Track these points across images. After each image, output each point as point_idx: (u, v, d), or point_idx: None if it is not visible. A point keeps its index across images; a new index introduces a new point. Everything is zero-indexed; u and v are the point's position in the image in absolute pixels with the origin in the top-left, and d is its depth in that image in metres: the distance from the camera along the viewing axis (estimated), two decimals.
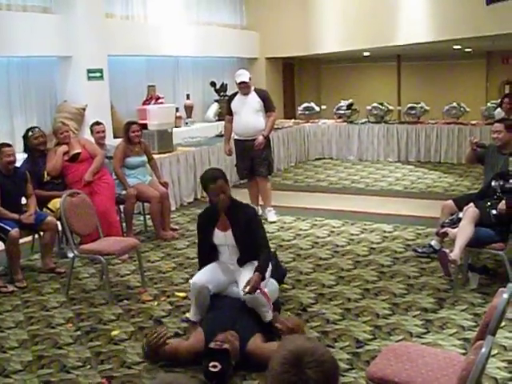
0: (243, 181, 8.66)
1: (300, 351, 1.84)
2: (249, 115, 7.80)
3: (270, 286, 4.64)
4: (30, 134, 6.79)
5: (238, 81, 7.81)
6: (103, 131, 7.65)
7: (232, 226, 4.59)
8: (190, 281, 4.65)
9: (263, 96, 7.92)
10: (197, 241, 4.87)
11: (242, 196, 7.06)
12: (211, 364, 3.90)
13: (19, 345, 4.62)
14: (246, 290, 4.27)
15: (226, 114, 8.27)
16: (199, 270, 4.72)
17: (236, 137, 8.11)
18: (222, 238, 4.63)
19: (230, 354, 3.96)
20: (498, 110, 8.72)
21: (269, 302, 4.47)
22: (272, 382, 1.85)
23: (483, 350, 2.38)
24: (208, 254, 4.70)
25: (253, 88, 7.90)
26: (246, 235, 4.58)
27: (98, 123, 7.67)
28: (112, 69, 9.69)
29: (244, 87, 7.80)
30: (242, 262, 4.63)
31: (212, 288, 4.51)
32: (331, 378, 1.84)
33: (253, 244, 4.57)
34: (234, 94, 8.07)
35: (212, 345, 4.00)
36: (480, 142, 6.58)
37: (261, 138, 7.78)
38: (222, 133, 10.73)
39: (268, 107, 7.91)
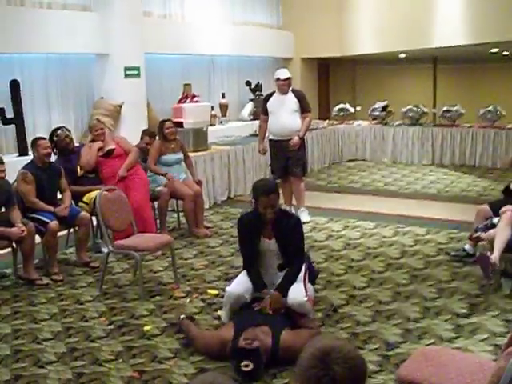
0: (277, 181, 8.64)
1: (328, 348, 1.89)
2: (285, 115, 7.81)
3: (309, 290, 4.69)
4: (56, 137, 6.83)
5: (282, 77, 7.81)
6: (150, 143, 7.74)
7: (276, 235, 4.63)
8: (227, 289, 4.68)
9: (300, 96, 7.93)
10: (238, 242, 4.88)
11: None
12: (243, 363, 3.93)
13: (53, 336, 4.71)
14: (266, 310, 4.40)
15: (261, 113, 8.28)
16: (245, 269, 4.73)
17: (271, 136, 8.12)
18: (267, 245, 4.67)
19: (260, 352, 3.99)
20: None
21: (312, 308, 4.58)
22: (300, 377, 1.90)
23: None
24: (252, 256, 4.72)
25: (290, 88, 7.92)
26: (289, 244, 4.63)
27: (150, 135, 7.83)
28: (148, 67, 9.79)
29: (286, 84, 7.80)
30: (282, 268, 4.68)
31: (248, 297, 4.56)
32: (358, 374, 1.89)
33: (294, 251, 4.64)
34: (271, 94, 8.08)
35: (243, 343, 4.03)
36: None
37: (296, 138, 7.79)
38: (257, 132, 10.80)
39: (304, 108, 7.92)
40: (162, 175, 7.38)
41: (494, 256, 5.11)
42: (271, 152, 8.23)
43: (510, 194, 5.96)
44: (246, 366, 3.92)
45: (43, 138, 6.34)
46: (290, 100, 7.83)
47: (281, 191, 8.01)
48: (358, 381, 1.91)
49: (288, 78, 7.83)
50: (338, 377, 1.84)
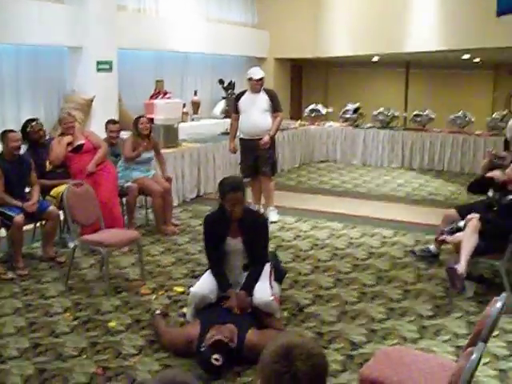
0: (246, 179, 8.62)
1: (290, 344, 1.91)
2: (257, 114, 7.82)
3: (275, 288, 4.69)
4: (29, 128, 6.81)
5: (256, 77, 7.81)
6: (118, 131, 7.70)
7: (242, 234, 4.63)
8: (191, 289, 4.65)
9: (272, 96, 7.95)
10: (204, 242, 4.83)
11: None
12: (214, 356, 3.93)
13: (16, 331, 4.66)
14: (233, 309, 4.39)
15: (232, 111, 8.28)
16: (210, 269, 4.70)
17: (242, 135, 8.13)
18: (233, 244, 4.65)
19: (232, 351, 4.01)
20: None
21: (279, 307, 4.63)
22: (262, 372, 1.92)
23: (474, 355, 2.42)
24: (217, 256, 4.70)
25: (262, 87, 7.94)
26: (255, 243, 4.64)
27: (114, 122, 7.72)
28: (121, 62, 9.73)
29: (259, 84, 7.82)
30: (247, 268, 4.68)
31: (213, 298, 4.54)
32: (320, 371, 1.91)
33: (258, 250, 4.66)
34: (242, 93, 8.10)
35: (218, 337, 4.02)
36: (499, 154, 6.57)
37: (267, 137, 7.80)
38: (228, 130, 10.80)
39: (275, 107, 7.94)
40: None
41: (461, 267, 5.17)
42: (241, 151, 8.24)
43: (474, 190, 6.05)
44: (217, 360, 3.92)
45: (13, 131, 6.26)
46: (262, 99, 7.84)
47: (250, 190, 8.09)
48: (320, 378, 1.93)
49: (261, 78, 7.84)
50: (300, 373, 1.86)
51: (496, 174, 5.96)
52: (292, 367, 1.87)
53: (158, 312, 4.79)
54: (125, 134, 8.10)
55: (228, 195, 4.50)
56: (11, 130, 6.29)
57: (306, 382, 1.88)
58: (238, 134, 8.22)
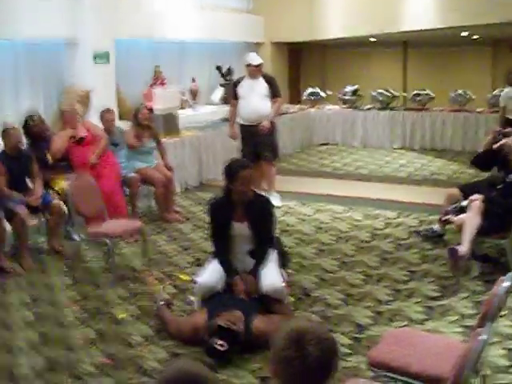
0: None
1: (302, 329, 1.93)
2: (256, 100, 7.81)
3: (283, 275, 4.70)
4: (31, 123, 6.80)
5: (254, 63, 7.79)
6: (113, 119, 7.69)
7: (248, 218, 4.60)
8: (198, 280, 4.64)
9: (271, 81, 7.94)
10: (209, 229, 4.82)
11: None
12: (219, 342, 3.95)
13: (25, 324, 4.70)
14: (240, 294, 4.40)
15: (231, 98, 8.27)
16: (216, 256, 4.71)
17: (241, 121, 8.11)
18: (238, 229, 4.63)
19: (239, 336, 4.02)
20: (506, 89, 8.39)
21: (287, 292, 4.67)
22: (274, 357, 1.95)
23: (482, 336, 2.43)
24: (223, 243, 4.69)
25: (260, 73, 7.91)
26: (261, 227, 4.62)
27: (108, 110, 7.70)
28: (119, 52, 9.69)
29: (257, 70, 7.80)
30: (252, 253, 4.67)
31: (220, 288, 4.52)
32: (330, 355, 1.94)
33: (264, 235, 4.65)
34: (241, 79, 8.08)
35: (223, 323, 4.04)
36: (503, 131, 6.51)
37: (266, 122, 7.79)
38: (227, 117, 10.77)
39: (274, 92, 7.93)
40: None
41: (464, 249, 5.17)
42: (241, 137, 8.22)
43: (478, 163, 6.02)
44: (222, 345, 3.94)
45: (14, 128, 6.24)
46: (261, 85, 7.83)
47: None
48: (330, 362, 1.95)
49: (260, 64, 7.82)
50: (311, 358, 1.89)
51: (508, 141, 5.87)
52: (303, 352, 1.90)
53: (161, 302, 4.79)
54: (121, 123, 8.06)
55: (239, 173, 4.44)
56: (13, 126, 6.26)
57: (316, 366, 1.91)
58: (237, 120, 8.20)
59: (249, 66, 7.85)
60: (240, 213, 4.60)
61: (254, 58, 7.90)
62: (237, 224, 4.62)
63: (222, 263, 4.61)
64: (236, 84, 8.11)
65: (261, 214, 4.62)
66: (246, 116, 7.95)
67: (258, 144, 7.94)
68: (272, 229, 4.79)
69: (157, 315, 4.69)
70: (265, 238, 4.67)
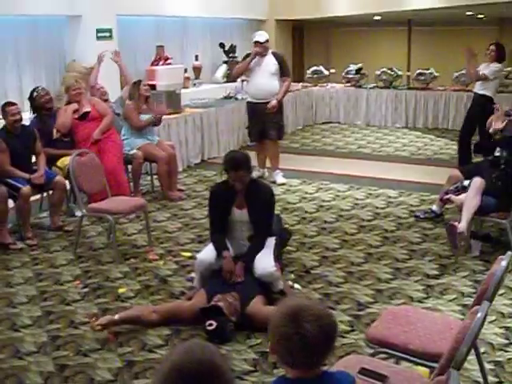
0: (253, 143, 8.58)
1: (299, 307, 1.97)
2: (264, 77, 7.77)
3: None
4: (35, 94, 6.84)
5: (260, 40, 7.74)
6: (102, 87, 7.67)
7: (248, 206, 4.65)
8: (198, 255, 4.71)
9: (280, 59, 7.89)
10: (208, 212, 4.89)
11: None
12: (207, 323, 4.02)
13: (28, 300, 4.73)
14: (230, 280, 4.42)
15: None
16: (210, 235, 4.78)
17: (249, 99, 8.11)
18: (238, 215, 4.68)
19: (223, 310, 4.06)
20: (483, 65, 8.28)
21: (281, 273, 4.69)
22: (272, 335, 1.99)
23: (479, 314, 2.45)
24: (220, 226, 4.73)
25: (270, 51, 7.87)
26: (260, 215, 4.67)
27: (96, 83, 7.69)
28: (121, 29, 9.67)
29: (262, 47, 7.72)
30: (252, 239, 4.70)
31: (218, 266, 4.56)
32: (328, 332, 1.97)
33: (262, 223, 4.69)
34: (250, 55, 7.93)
35: (213, 303, 4.11)
36: (507, 111, 6.48)
37: (274, 101, 7.77)
38: (231, 94, 10.79)
39: (284, 71, 7.90)
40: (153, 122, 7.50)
41: (462, 226, 5.20)
42: (249, 114, 8.21)
43: (481, 151, 6.01)
44: (210, 324, 4.01)
45: (12, 104, 6.19)
46: (270, 62, 7.79)
47: (255, 154, 8.08)
48: (329, 338, 1.98)
49: (265, 41, 7.77)
50: (309, 334, 1.92)
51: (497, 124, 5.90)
52: (300, 329, 1.93)
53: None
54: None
55: (230, 172, 4.54)
56: (9, 103, 6.23)
57: (315, 342, 1.94)
58: (246, 98, 8.12)
59: (256, 43, 7.78)
60: (240, 199, 4.66)
61: (258, 35, 7.86)
62: (236, 210, 4.67)
63: (214, 241, 4.68)
64: (247, 57, 8.03)
65: (260, 202, 4.66)
66: (254, 93, 7.93)
67: (264, 122, 7.92)
68: (271, 217, 4.82)
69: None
70: (262, 227, 4.70)
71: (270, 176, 8.14)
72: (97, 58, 7.69)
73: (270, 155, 8.21)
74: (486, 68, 7.95)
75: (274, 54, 7.93)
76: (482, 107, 7.82)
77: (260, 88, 7.82)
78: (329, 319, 2.00)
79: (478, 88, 8.18)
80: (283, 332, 1.95)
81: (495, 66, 7.88)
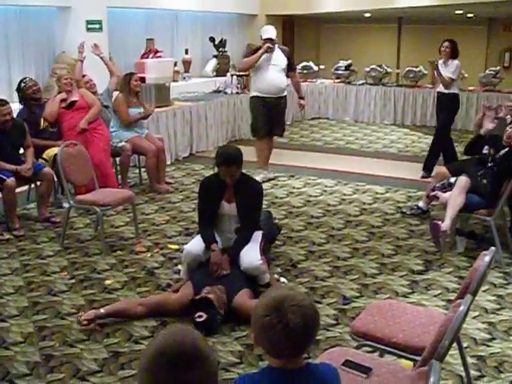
0: (259, 139, 8.11)
1: (281, 297, 2.01)
2: (274, 73, 7.64)
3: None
4: (23, 84, 6.86)
5: (265, 36, 7.58)
6: (91, 79, 7.64)
7: (237, 199, 4.69)
8: (185, 246, 4.75)
9: (289, 55, 7.81)
10: (197, 204, 4.91)
11: (250, 154, 7.21)
12: (197, 314, 4.05)
13: (15, 291, 4.73)
14: (216, 272, 4.44)
15: (246, 57, 7.95)
16: (198, 227, 4.83)
17: (257, 93, 7.82)
18: (227, 209, 4.73)
19: (213, 302, 4.09)
20: (439, 62, 8.24)
21: (268, 267, 4.72)
22: (255, 325, 2.02)
23: (461, 307, 2.49)
24: (210, 221, 4.77)
25: (277, 46, 7.73)
26: (248, 209, 4.71)
27: (83, 75, 7.64)
28: (111, 21, 9.64)
29: (270, 43, 7.55)
30: (239, 231, 4.74)
31: (205, 258, 4.60)
32: (310, 322, 2.00)
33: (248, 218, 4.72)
34: (259, 49, 7.72)
35: (203, 295, 4.14)
36: (492, 107, 6.49)
37: (302, 101, 7.82)
38: (220, 88, 10.77)
39: (292, 66, 7.86)
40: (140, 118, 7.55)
41: (445, 224, 5.24)
42: (256, 110, 7.89)
43: (471, 152, 6.03)
44: (200, 316, 4.04)
45: (4, 103, 6.10)
46: (279, 58, 7.67)
47: (259, 152, 7.97)
48: (311, 328, 2.02)
49: (270, 39, 7.58)
50: (292, 324, 1.95)
51: (488, 126, 5.94)
52: (283, 318, 1.96)
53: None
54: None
55: (221, 167, 4.57)
56: (2, 102, 6.12)
57: (297, 331, 1.97)
58: (254, 94, 7.89)
59: (267, 39, 7.59)
60: (230, 193, 4.70)
61: (268, 30, 7.69)
62: (226, 204, 4.72)
63: (202, 232, 4.72)
64: (254, 51, 7.78)
65: (248, 197, 4.70)
66: (265, 88, 7.71)
67: (272, 119, 7.83)
68: (258, 212, 4.86)
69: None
70: (249, 221, 4.74)
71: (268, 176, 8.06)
72: (77, 50, 7.59)
73: (269, 152, 8.15)
74: (445, 67, 7.91)
75: (281, 49, 7.80)
76: (451, 105, 7.93)
77: (272, 83, 7.67)
78: (311, 308, 2.03)
79: (443, 88, 8.08)
80: (266, 321, 1.98)
81: (454, 64, 7.86)
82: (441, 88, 7.95)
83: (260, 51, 7.60)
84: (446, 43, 7.89)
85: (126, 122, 7.37)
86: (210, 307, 4.09)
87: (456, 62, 7.82)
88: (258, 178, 7.55)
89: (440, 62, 7.87)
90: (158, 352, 1.61)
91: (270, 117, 7.82)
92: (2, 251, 5.55)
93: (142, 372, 1.62)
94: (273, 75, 7.67)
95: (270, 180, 7.88)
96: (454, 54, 7.86)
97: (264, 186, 7.15)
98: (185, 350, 1.61)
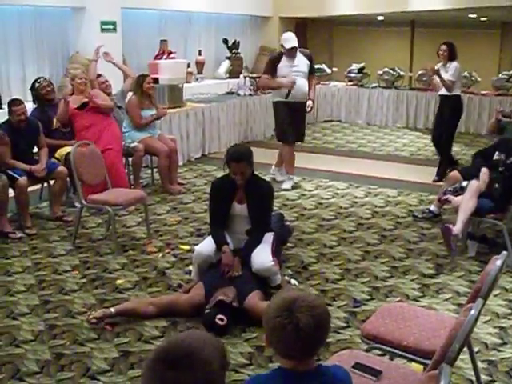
0: (288, 143, 7.93)
1: (292, 298, 2.02)
2: (300, 78, 7.50)
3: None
4: (37, 84, 6.91)
5: (288, 46, 7.39)
6: (107, 80, 7.65)
7: (248, 200, 4.70)
8: (196, 248, 4.76)
9: (310, 58, 7.67)
10: (208, 205, 4.93)
11: (262, 155, 7.21)
12: (219, 316, 4.04)
13: (26, 289, 4.76)
14: (228, 274, 4.44)
15: (267, 73, 7.66)
16: (210, 228, 4.84)
17: (281, 98, 7.61)
18: (238, 210, 4.73)
19: (236, 312, 4.10)
20: (439, 65, 8.20)
21: (280, 268, 4.73)
22: (267, 326, 2.02)
23: (472, 311, 2.48)
24: (221, 222, 4.77)
25: (298, 50, 7.56)
26: (259, 210, 4.71)
27: (98, 75, 7.66)
28: (125, 22, 9.68)
29: (295, 52, 7.46)
30: (250, 233, 4.74)
31: (216, 259, 4.61)
32: (321, 322, 2.01)
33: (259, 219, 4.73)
34: (280, 56, 7.59)
35: (221, 297, 4.13)
36: (506, 112, 6.45)
37: (311, 102, 7.69)
38: (233, 90, 10.77)
39: (312, 70, 7.75)
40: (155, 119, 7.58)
41: (457, 228, 5.23)
42: (282, 115, 7.68)
43: (479, 163, 6.01)
44: (221, 319, 4.03)
45: (18, 103, 6.16)
46: (302, 62, 7.53)
47: (287, 157, 7.87)
48: (321, 328, 2.02)
49: (295, 47, 7.46)
50: (302, 324, 1.96)
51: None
52: (294, 319, 1.97)
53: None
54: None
55: (231, 164, 4.57)
56: (16, 102, 6.18)
57: (308, 332, 1.98)
58: (275, 99, 7.77)
59: (287, 48, 7.46)
60: (241, 194, 4.71)
61: (290, 39, 7.51)
62: (237, 205, 4.72)
63: (212, 233, 4.73)
64: (275, 61, 7.60)
65: (259, 198, 4.70)
66: (293, 94, 7.54)
67: (297, 123, 7.75)
68: (269, 213, 4.87)
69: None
70: (260, 222, 4.74)
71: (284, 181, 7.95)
72: (94, 51, 7.60)
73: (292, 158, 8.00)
74: (444, 70, 7.86)
75: (302, 53, 7.64)
76: (455, 107, 7.90)
77: (298, 89, 7.50)
78: (322, 309, 2.04)
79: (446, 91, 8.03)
80: (278, 322, 1.99)
81: (453, 66, 7.81)
82: (443, 91, 7.91)
83: (284, 84, 7.48)
84: (444, 46, 7.83)
85: (138, 125, 7.40)
86: (232, 313, 4.10)
87: (455, 63, 7.77)
88: (287, 186, 7.63)
89: (439, 65, 7.84)
90: (155, 357, 1.66)
91: (299, 121, 7.76)
92: (14, 249, 5.58)
93: (143, 371, 1.67)
94: (300, 81, 7.48)
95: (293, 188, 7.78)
96: (452, 56, 7.80)
97: (276, 187, 7.05)
98: (177, 352, 1.65)
